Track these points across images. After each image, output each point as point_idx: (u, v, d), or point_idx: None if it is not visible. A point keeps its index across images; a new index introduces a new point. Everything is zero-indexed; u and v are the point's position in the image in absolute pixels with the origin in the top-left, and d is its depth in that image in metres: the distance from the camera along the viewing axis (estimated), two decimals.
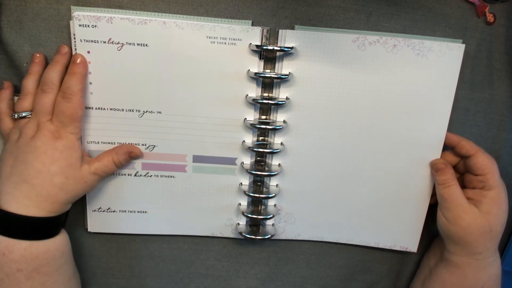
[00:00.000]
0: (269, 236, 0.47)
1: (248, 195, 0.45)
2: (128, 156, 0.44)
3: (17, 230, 0.37)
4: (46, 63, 0.42)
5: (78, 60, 0.40)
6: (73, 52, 0.41)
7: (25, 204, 0.37)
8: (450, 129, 0.45)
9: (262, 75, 0.41)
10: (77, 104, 0.39)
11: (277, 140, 0.45)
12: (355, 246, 0.50)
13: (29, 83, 0.41)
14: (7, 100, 0.42)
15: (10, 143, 0.40)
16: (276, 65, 0.42)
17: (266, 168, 0.46)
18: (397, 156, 0.45)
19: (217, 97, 0.43)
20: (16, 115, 0.40)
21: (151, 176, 0.46)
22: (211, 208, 0.47)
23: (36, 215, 0.38)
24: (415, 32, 0.43)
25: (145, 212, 0.47)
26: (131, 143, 0.44)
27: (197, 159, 0.45)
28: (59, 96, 0.39)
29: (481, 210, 0.42)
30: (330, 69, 0.42)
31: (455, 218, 0.42)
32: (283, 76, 0.41)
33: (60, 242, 0.40)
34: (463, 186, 0.44)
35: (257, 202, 0.48)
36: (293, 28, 0.42)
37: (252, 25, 0.41)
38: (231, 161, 0.45)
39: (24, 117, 0.40)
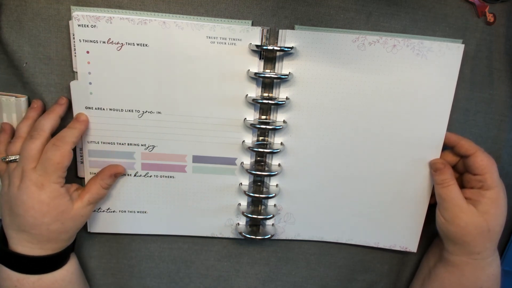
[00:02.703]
0: (269, 236, 0.47)
1: (248, 195, 0.45)
2: (114, 177, 0.44)
3: (26, 267, 0.40)
4: (44, 109, 0.43)
5: (81, 119, 0.42)
6: (73, 51, 0.41)
7: (29, 247, 0.40)
8: (450, 129, 0.45)
9: (262, 75, 0.41)
10: (66, 153, 0.39)
11: (277, 140, 0.45)
12: (355, 246, 0.50)
13: (23, 127, 0.41)
14: (4, 144, 0.42)
15: (3, 189, 0.40)
16: (276, 65, 0.42)
17: (266, 168, 0.46)
18: (396, 156, 0.45)
19: (217, 97, 0.43)
20: (5, 158, 0.40)
21: (150, 176, 0.46)
22: (211, 208, 0.47)
23: (41, 255, 0.40)
24: (415, 32, 0.43)
25: (145, 212, 0.47)
26: (130, 143, 0.44)
27: (197, 159, 0.45)
28: (50, 143, 0.39)
29: (480, 210, 0.41)
30: (330, 69, 0.42)
31: (453, 218, 0.42)
32: (283, 76, 0.41)
33: (66, 272, 0.43)
34: (462, 185, 0.44)
35: (257, 202, 0.48)
36: (293, 28, 0.42)
37: (252, 25, 0.41)
38: (231, 161, 0.45)
39: (13, 160, 0.40)
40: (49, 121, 0.40)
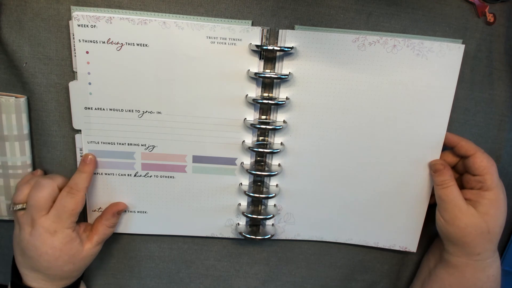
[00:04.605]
0: (269, 236, 0.47)
1: (248, 195, 0.45)
2: (117, 214, 0.45)
3: None
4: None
5: (88, 160, 0.43)
6: (73, 51, 0.41)
7: (43, 284, 0.42)
8: (450, 129, 0.45)
9: (262, 75, 0.41)
10: (80, 200, 0.41)
11: (277, 140, 0.45)
12: (355, 246, 0.50)
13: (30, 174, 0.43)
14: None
15: (15, 231, 0.42)
16: (276, 65, 0.42)
17: (266, 168, 0.46)
18: (397, 156, 0.45)
19: (217, 97, 0.43)
20: (13, 207, 0.41)
21: (151, 176, 0.46)
22: (211, 209, 0.47)
23: None
24: (415, 32, 0.43)
25: (145, 212, 0.47)
26: (130, 143, 0.44)
27: (197, 159, 0.45)
28: (64, 191, 0.41)
29: (479, 211, 0.41)
30: (330, 69, 0.42)
31: (452, 219, 0.42)
32: (283, 76, 0.41)
33: None
34: (462, 186, 0.44)
35: (257, 202, 0.48)
36: (293, 28, 0.42)
37: (252, 25, 0.41)
38: (231, 161, 0.45)
39: (20, 209, 0.41)
40: (58, 175, 0.43)
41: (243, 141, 0.45)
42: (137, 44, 0.40)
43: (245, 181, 0.46)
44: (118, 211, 0.45)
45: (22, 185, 0.42)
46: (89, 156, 0.43)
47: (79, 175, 0.42)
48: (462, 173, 0.45)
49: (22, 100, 0.43)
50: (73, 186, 0.41)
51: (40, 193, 0.40)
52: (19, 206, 0.41)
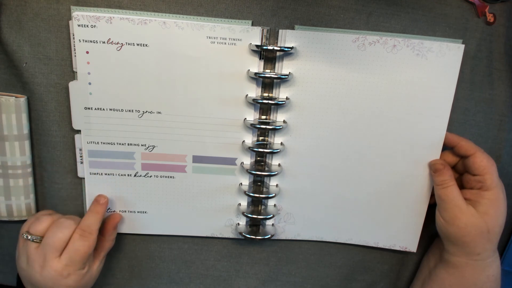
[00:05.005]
0: (269, 236, 0.47)
1: (248, 195, 0.45)
2: (116, 226, 0.46)
3: None
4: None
5: (102, 201, 0.44)
6: (73, 51, 0.41)
7: None
8: (450, 129, 0.45)
9: (262, 75, 0.41)
10: (93, 242, 0.41)
11: (277, 140, 0.45)
12: (355, 246, 0.50)
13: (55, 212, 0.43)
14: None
15: (20, 264, 0.41)
16: (276, 65, 0.42)
17: (266, 168, 0.46)
18: (397, 156, 0.45)
19: (217, 97, 0.43)
20: (27, 236, 0.40)
21: (150, 176, 0.46)
22: (211, 209, 0.47)
23: None
24: (415, 32, 0.43)
25: (145, 212, 0.47)
26: (130, 144, 0.44)
27: (197, 159, 0.45)
28: (76, 233, 0.40)
29: (479, 210, 0.41)
30: (330, 69, 0.42)
31: (452, 218, 0.42)
32: (283, 76, 0.41)
33: None
34: (462, 186, 0.44)
35: (257, 202, 0.48)
36: (293, 28, 0.42)
37: (252, 25, 0.41)
38: (231, 161, 0.45)
39: (33, 241, 0.40)
40: (76, 216, 0.43)
41: (243, 141, 0.45)
42: (137, 44, 0.40)
43: (245, 181, 0.46)
44: (117, 222, 0.46)
45: (44, 215, 0.41)
46: (103, 198, 0.44)
47: (92, 216, 0.42)
48: (462, 173, 0.45)
49: (22, 100, 0.43)
50: (85, 228, 0.41)
51: (60, 233, 0.39)
52: (33, 238, 0.40)
